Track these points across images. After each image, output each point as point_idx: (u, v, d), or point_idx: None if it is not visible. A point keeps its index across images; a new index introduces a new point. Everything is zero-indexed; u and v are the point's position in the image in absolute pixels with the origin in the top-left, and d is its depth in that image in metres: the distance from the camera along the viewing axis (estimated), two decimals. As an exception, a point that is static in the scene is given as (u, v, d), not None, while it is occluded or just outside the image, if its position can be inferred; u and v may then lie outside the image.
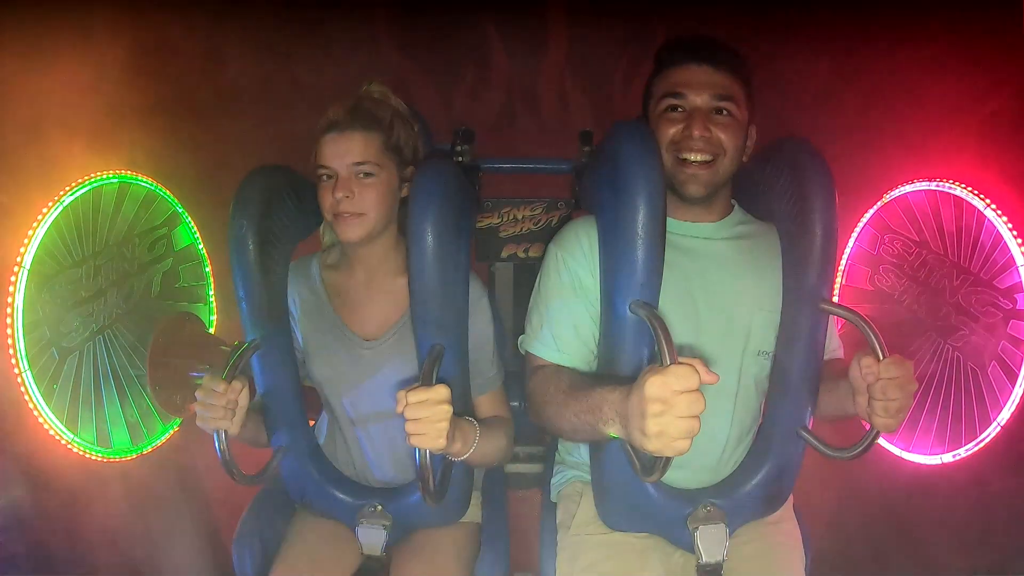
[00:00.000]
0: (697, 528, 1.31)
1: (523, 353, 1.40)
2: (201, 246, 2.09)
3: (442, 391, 1.14)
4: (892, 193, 2.01)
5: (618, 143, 1.22)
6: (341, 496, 1.47)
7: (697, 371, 0.95)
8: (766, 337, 1.35)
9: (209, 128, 2.01)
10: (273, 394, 1.43)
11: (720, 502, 1.33)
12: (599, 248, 1.27)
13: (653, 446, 0.95)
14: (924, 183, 1.92)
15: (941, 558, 1.78)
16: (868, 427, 1.21)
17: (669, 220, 1.22)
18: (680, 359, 0.97)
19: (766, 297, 1.36)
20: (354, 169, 1.36)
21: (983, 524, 1.76)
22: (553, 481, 1.57)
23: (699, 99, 1.31)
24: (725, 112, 1.31)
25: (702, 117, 1.30)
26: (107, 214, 1.76)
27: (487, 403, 1.47)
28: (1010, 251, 1.71)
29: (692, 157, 1.31)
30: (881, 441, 1.76)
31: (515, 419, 1.51)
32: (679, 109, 1.32)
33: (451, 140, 1.85)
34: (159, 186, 1.92)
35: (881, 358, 1.16)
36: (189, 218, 2.04)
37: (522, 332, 1.41)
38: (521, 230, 2.01)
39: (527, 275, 1.95)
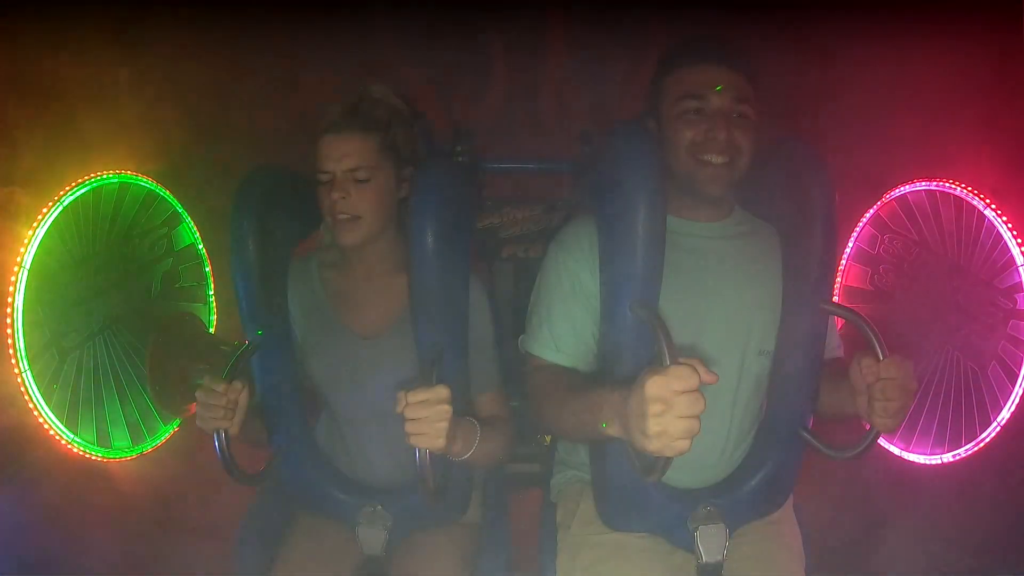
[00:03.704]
0: (697, 528, 1.31)
1: (523, 353, 1.40)
2: (201, 246, 2.09)
3: (442, 391, 1.14)
4: (892, 193, 2.01)
5: (618, 144, 1.22)
6: (341, 496, 1.47)
7: (697, 371, 0.95)
8: (767, 336, 1.35)
9: (209, 128, 2.01)
10: (273, 394, 1.43)
11: (720, 502, 1.33)
12: (599, 248, 1.27)
13: (653, 446, 0.95)
14: (924, 183, 1.92)
15: (941, 558, 1.78)
16: (868, 427, 1.21)
17: (671, 218, 1.22)
18: (680, 359, 0.97)
19: (767, 296, 1.36)
20: (350, 171, 1.37)
21: (983, 524, 1.76)
22: (553, 481, 1.57)
23: (721, 101, 1.30)
24: (743, 115, 1.31)
25: (724, 120, 1.29)
26: (107, 214, 1.76)
27: (487, 403, 1.47)
28: (1010, 251, 1.71)
29: (715, 159, 1.30)
30: (881, 441, 1.76)
31: (515, 419, 1.51)
32: (699, 111, 1.31)
33: (451, 140, 1.85)
34: (159, 186, 1.92)
35: (881, 358, 1.16)
36: (189, 218, 2.04)
37: (522, 332, 1.41)
38: (521, 230, 2.01)
39: (527, 275, 1.95)
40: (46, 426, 1.56)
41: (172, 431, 1.93)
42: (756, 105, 1.33)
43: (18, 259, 1.52)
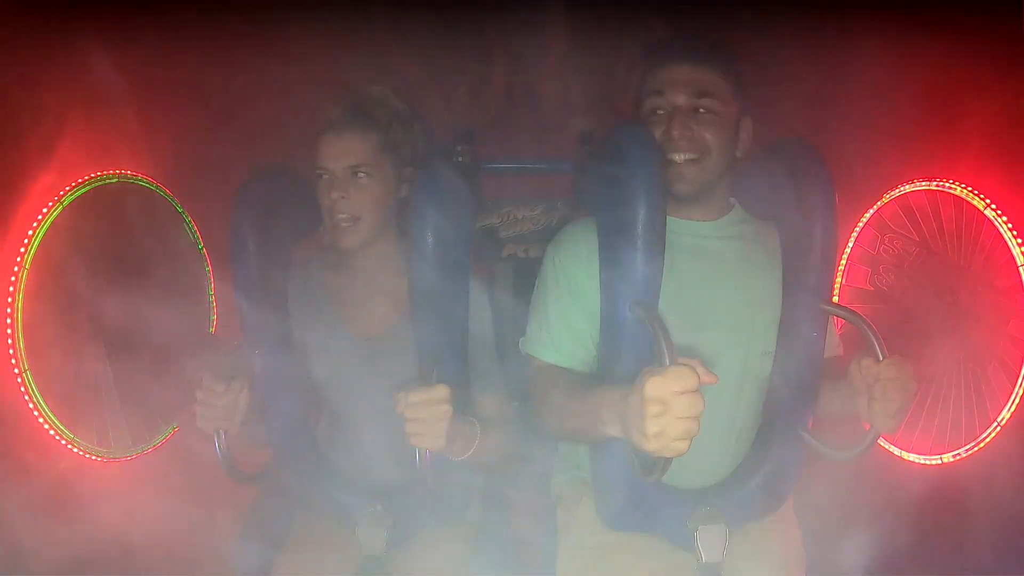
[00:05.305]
0: (697, 528, 1.31)
1: (524, 355, 1.40)
2: (201, 246, 2.09)
3: (442, 391, 1.14)
4: (892, 193, 2.01)
5: (618, 144, 1.22)
6: (341, 496, 1.47)
7: (696, 372, 0.95)
8: (767, 337, 1.35)
9: (209, 128, 2.01)
10: (273, 394, 1.43)
11: (720, 502, 1.33)
12: (599, 249, 1.27)
13: (652, 447, 0.95)
14: (924, 183, 1.92)
15: (941, 558, 1.78)
16: (868, 427, 1.21)
17: (670, 218, 1.22)
18: (679, 360, 0.97)
19: (767, 296, 1.35)
20: (349, 171, 1.37)
21: (983, 524, 1.75)
22: (553, 481, 1.57)
23: (678, 98, 1.30)
24: (708, 110, 1.31)
25: (682, 116, 1.29)
26: (107, 214, 1.76)
27: (487, 403, 1.46)
28: (1010, 251, 1.71)
29: (677, 157, 1.30)
30: (881, 441, 1.76)
31: (515, 419, 1.50)
32: (661, 110, 1.32)
33: (451, 140, 1.85)
34: (159, 186, 1.92)
35: (881, 359, 1.16)
36: (189, 218, 2.04)
37: (522, 332, 1.41)
38: (521, 230, 2.01)
39: (527, 275, 1.94)
40: (46, 426, 1.56)
41: (172, 431, 1.93)
42: (728, 99, 1.32)
43: (18, 259, 1.52)
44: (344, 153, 1.37)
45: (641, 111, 1.35)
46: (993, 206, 1.74)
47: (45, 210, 1.58)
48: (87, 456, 1.65)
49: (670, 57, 1.32)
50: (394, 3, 2.31)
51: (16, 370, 1.51)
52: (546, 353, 1.34)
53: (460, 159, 1.83)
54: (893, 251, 2.02)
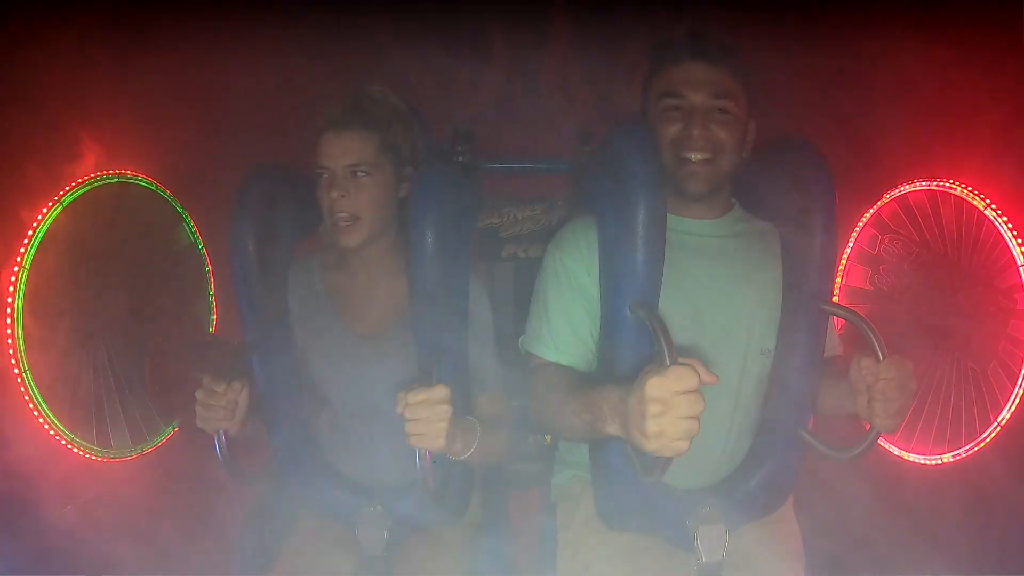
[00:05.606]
0: (697, 528, 1.31)
1: (524, 353, 1.40)
2: (201, 246, 2.09)
3: (441, 391, 1.14)
4: (892, 193, 2.01)
5: (618, 144, 1.22)
6: (341, 496, 1.47)
7: (696, 372, 0.95)
8: (767, 335, 1.35)
9: (209, 128, 2.01)
10: (273, 394, 1.43)
11: (720, 502, 1.33)
12: (599, 249, 1.27)
13: (652, 446, 0.95)
14: (924, 183, 1.92)
15: (941, 558, 1.78)
16: (868, 427, 1.21)
17: (669, 216, 1.21)
18: (680, 359, 0.97)
19: (767, 295, 1.35)
20: (349, 170, 1.37)
21: (983, 524, 1.75)
22: (553, 481, 1.56)
23: (698, 98, 1.31)
24: (724, 110, 1.31)
25: (701, 116, 1.30)
26: (107, 214, 1.76)
27: (487, 402, 1.46)
28: (1010, 251, 1.71)
29: (693, 156, 1.30)
30: (881, 441, 1.76)
31: (515, 419, 1.50)
32: (678, 108, 1.32)
33: (451, 140, 1.85)
34: (159, 186, 1.92)
35: (881, 359, 1.16)
36: (189, 218, 2.04)
37: (522, 332, 1.41)
38: (521, 230, 2.01)
39: (527, 275, 1.95)
40: (46, 426, 1.56)
41: (172, 431, 1.93)
42: (741, 100, 1.33)
43: (18, 259, 1.52)
44: (344, 152, 1.37)
45: (654, 109, 1.35)
46: (993, 206, 1.74)
47: (45, 210, 1.58)
48: (87, 456, 1.65)
49: (689, 56, 1.32)
50: (394, 2, 2.31)
51: (16, 370, 1.51)
52: (546, 351, 1.34)
53: (460, 159, 1.83)
54: (893, 251, 2.02)
